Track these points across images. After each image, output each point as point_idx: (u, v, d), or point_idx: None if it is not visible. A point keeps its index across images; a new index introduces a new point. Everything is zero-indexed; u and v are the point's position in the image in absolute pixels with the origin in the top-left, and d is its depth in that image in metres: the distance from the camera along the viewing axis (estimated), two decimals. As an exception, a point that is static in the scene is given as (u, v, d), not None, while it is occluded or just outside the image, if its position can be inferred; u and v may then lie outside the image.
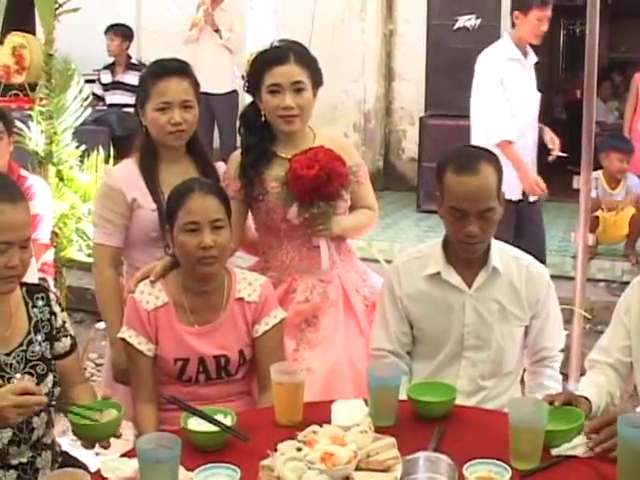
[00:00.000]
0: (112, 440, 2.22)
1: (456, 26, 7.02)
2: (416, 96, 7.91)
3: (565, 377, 3.99)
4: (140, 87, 3.00)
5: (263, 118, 2.99)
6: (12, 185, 2.32)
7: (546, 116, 11.36)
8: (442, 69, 7.17)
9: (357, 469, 1.69)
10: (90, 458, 2.80)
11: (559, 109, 11.55)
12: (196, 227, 2.52)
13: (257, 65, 2.98)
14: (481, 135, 4.86)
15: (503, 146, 4.59)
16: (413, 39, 7.84)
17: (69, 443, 3.67)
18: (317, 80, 2.99)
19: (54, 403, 2.24)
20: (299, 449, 1.75)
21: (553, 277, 5.56)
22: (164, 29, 8.27)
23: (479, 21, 7.00)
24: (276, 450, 1.79)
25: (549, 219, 7.20)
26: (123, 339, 2.62)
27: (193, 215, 2.53)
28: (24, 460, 2.27)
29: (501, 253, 2.66)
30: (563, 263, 5.76)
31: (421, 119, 7.45)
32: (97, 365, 4.97)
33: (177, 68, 2.93)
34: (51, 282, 4.45)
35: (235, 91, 7.64)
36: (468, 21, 6.96)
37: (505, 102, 4.75)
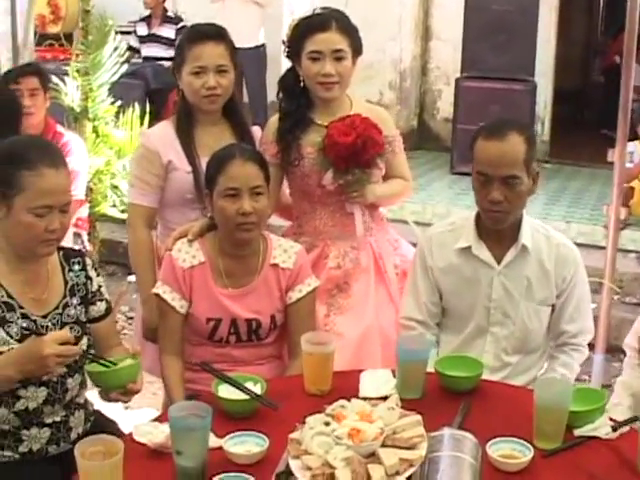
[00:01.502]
0: (143, 394, 2.26)
1: (495, -13, 6.92)
2: (452, 56, 7.83)
3: (591, 347, 3.99)
4: (177, 51, 3.03)
5: (302, 84, 3.00)
6: (55, 150, 2.34)
7: (583, 79, 11.30)
8: (480, 31, 7.08)
9: (383, 445, 1.72)
10: (122, 416, 2.87)
11: (596, 72, 11.37)
12: (236, 193, 2.55)
13: (298, 31, 2.99)
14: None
15: None
16: (452, -1, 7.75)
17: (98, 396, 3.77)
18: (357, 48, 2.99)
19: (90, 355, 2.28)
20: (327, 423, 1.78)
21: (583, 246, 5.58)
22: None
23: (518, -17, 6.89)
24: (304, 423, 1.82)
25: (581, 186, 7.17)
26: (157, 295, 2.65)
27: (233, 181, 2.55)
28: (57, 419, 2.31)
29: (532, 231, 2.66)
30: (594, 232, 5.70)
31: (457, 80, 7.37)
32: (128, 318, 5.05)
33: (213, 33, 2.94)
34: (85, 237, 4.53)
35: (263, 45, 7.60)
36: (507, -17, 6.86)
37: None
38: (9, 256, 2.25)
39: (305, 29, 2.96)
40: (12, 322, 2.22)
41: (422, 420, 1.85)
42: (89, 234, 4.68)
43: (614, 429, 2.09)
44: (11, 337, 2.20)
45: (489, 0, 6.99)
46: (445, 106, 8.26)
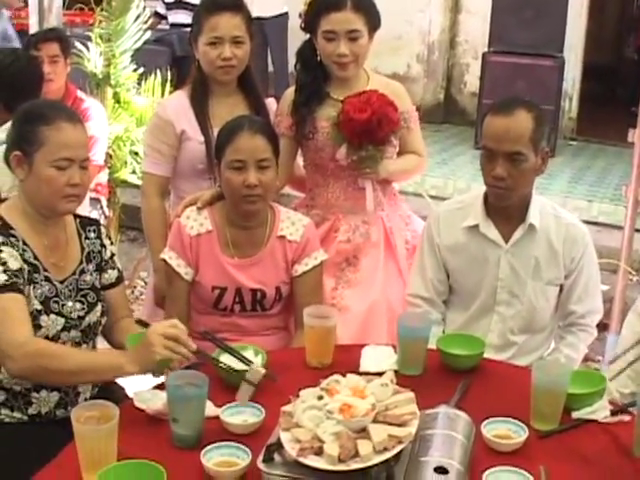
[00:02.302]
0: None
1: (526, -39, 6.82)
2: (481, 30, 7.75)
3: (606, 327, 3.98)
4: (194, 21, 3.04)
5: (318, 57, 3.00)
6: (72, 110, 2.44)
7: (616, 55, 11.13)
8: (509, 5, 7.00)
9: (374, 421, 1.73)
10: (130, 382, 2.90)
11: (630, 48, 11.20)
12: (242, 165, 2.56)
13: (314, 8, 2.98)
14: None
15: None
16: (482, -29, 7.65)
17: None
18: (374, 24, 2.98)
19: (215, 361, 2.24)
20: (320, 397, 1.79)
21: (604, 225, 5.53)
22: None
23: (550, -42, 6.79)
24: (298, 396, 1.84)
25: (605, 164, 7.10)
26: (164, 260, 2.69)
27: (240, 153, 2.56)
28: (66, 383, 2.36)
29: (541, 211, 2.65)
30: (616, 212, 5.65)
31: (484, 55, 7.31)
32: (146, 284, 5.09)
33: (229, 3, 2.94)
34: (104, 202, 4.56)
35: (286, 14, 7.57)
36: (539, -44, 6.76)
37: None
38: (33, 220, 2.29)
39: (320, 7, 2.95)
40: (37, 283, 2.26)
41: (415, 397, 1.86)
42: (109, 200, 4.70)
43: (613, 413, 2.09)
44: (35, 297, 2.25)
45: (519, -27, 6.90)
46: (472, 80, 8.19)
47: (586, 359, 3.51)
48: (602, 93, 9.53)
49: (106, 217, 4.66)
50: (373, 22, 2.97)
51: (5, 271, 2.16)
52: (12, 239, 2.24)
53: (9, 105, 3.38)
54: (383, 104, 2.87)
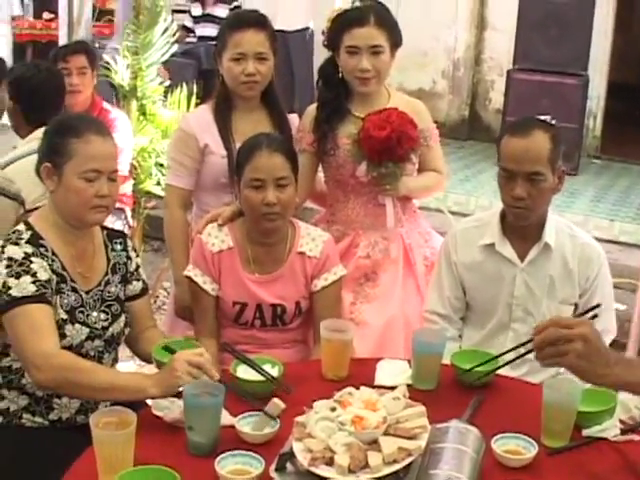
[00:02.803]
0: None
1: (551, -21, 6.84)
2: (507, 47, 7.76)
3: (624, 346, 3.98)
4: (218, 36, 3.09)
5: (340, 74, 3.04)
6: (101, 123, 2.48)
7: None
8: (534, 23, 7.00)
9: (385, 434, 1.77)
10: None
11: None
12: (261, 184, 2.59)
13: (337, 24, 3.03)
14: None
15: None
16: (508, -12, 7.68)
17: (135, 369, 3.87)
18: (396, 41, 3.02)
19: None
20: (333, 409, 1.83)
21: (625, 245, 5.51)
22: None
23: (575, -25, 6.80)
24: (312, 407, 1.88)
25: (629, 183, 7.08)
26: (188, 277, 2.72)
27: (258, 172, 2.59)
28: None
29: (557, 230, 2.68)
30: (637, 232, 5.63)
31: (508, 72, 7.32)
32: (169, 293, 5.13)
33: (254, 20, 2.99)
34: (129, 212, 4.62)
35: (308, 29, 7.62)
36: (564, -25, 6.78)
37: None
38: (62, 230, 2.34)
39: (343, 23, 3.00)
40: (64, 293, 2.32)
41: (427, 412, 1.89)
42: (133, 210, 4.77)
43: (623, 432, 2.11)
44: (62, 307, 2.30)
45: (544, -9, 6.92)
46: (497, 97, 8.20)
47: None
48: (627, 112, 9.49)
49: (130, 227, 4.72)
50: (395, 39, 3.02)
51: (34, 282, 2.22)
52: (42, 249, 2.29)
53: (30, 117, 3.45)
54: (403, 122, 2.91)
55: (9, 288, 2.20)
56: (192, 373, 2.08)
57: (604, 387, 1.91)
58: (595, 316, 2.04)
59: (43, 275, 2.24)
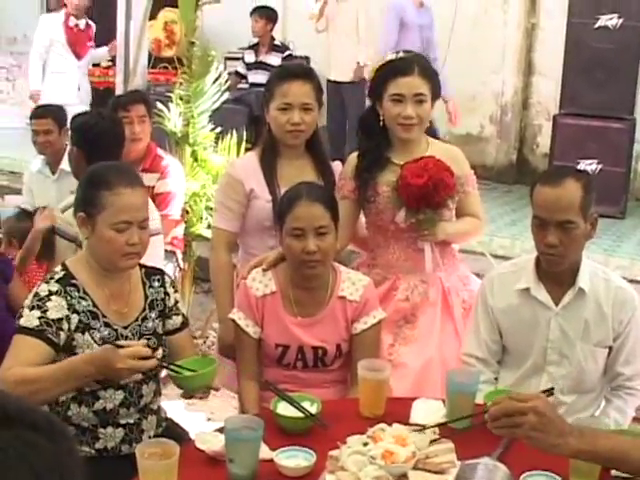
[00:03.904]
0: (225, 407, 2.41)
1: (597, 25, 6.89)
2: (554, 92, 7.82)
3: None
4: (266, 87, 3.22)
5: (381, 124, 3.15)
6: (132, 172, 2.62)
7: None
8: (580, 68, 7.06)
9: (414, 468, 1.85)
10: (204, 427, 3.04)
11: None
12: (301, 233, 2.69)
13: (382, 74, 3.14)
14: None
15: None
16: (555, 34, 7.73)
17: (184, 406, 3.98)
18: (436, 92, 3.14)
19: (164, 364, 2.48)
20: (365, 444, 1.92)
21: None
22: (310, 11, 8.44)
23: (621, 21, 6.85)
24: (345, 442, 1.97)
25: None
26: (233, 320, 2.83)
27: (299, 221, 2.70)
28: (131, 421, 2.54)
29: (591, 275, 2.73)
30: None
31: (554, 117, 7.38)
32: (218, 334, 5.24)
33: (300, 72, 3.13)
34: (179, 255, 4.76)
35: (364, 79, 7.77)
36: (609, 20, 6.83)
37: None
38: (96, 272, 2.50)
39: (389, 72, 3.11)
40: (95, 329, 2.46)
41: (458, 449, 1.97)
42: (184, 253, 4.90)
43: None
44: (95, 342, 2.44)
45: (590, 37, 6.97)
46: (545, 141, 8.24)
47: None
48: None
49: (181, 269, 4.85)
50: (435, 90, 3.13)
51: (40, 317, 2.37)
52: (70, 288, 2.44)
53: (91, 163, 3.61)
54: (439, 170, 3.00)
55: (20, 317, 2.38)
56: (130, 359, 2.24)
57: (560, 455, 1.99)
58: (551, 393, 2.12)
59: (54, 314, 2.39)
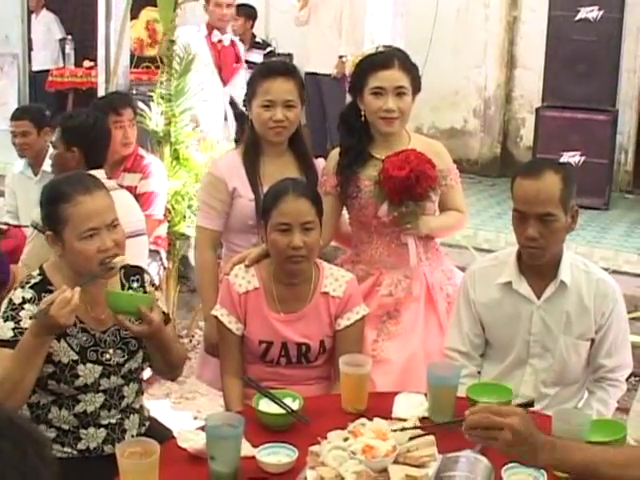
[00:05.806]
0: (212, 406, 2.34)
1: (578, 17, 6.90)
2: (537, 85, 7.84)
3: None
4: (249, 85, 3.21)
5: (362, 119, 3.15)
6: (86, 179, 2.53)
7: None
8: (562, 60, 7.08)
9: (395, 462, 1.85)
10: (190, 424, 3.01)
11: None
12: (287, 228, 2.69)
13: (362, 68, 3.14)
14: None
15: None
16: (536, 27, 7.76)
17: (170, 405, 3.98)
18: (417, 86, 3.14)
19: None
20: (346, 439, 1.93)
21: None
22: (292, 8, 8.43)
23: (601, 13, 6.86)
24: (326, 438, 1.97)
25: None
26: (215, 316, 2.83)
27: (285, 217, 2.70)
28: (113, 421, 2.53)
29: (572, 267, 2.74)
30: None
31: (537, 109, 7.40)
32: (204, 333, 5.24)
33: (283, 69, 3.13)
34: (163, 254, 4.76)
35: (344, 75, 7.75)
36: (590, 12, 6.84)
37: None
38: (71, 280, 2.42)
39: (369, 66, 3.11)
40: (72, 336, 2.44)
41: (439, 442, 1.97)
42: (168, 252, 4.89)
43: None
44: (72, 348, 2.43)
45: (571, 30, 6.98)
46: (528, 134, 8.27)
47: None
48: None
49: (165, 268, 4.85)
50: (416, 83, 3.13)
51: (14, 329, 2.36)
52: (45, 294, 2.39)
53: (90, 161, 3.65)
54: (421, 162, 3.01)
55: None
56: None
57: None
58: (531, 405, 2.12)
59: (28, 323, 2.34)
